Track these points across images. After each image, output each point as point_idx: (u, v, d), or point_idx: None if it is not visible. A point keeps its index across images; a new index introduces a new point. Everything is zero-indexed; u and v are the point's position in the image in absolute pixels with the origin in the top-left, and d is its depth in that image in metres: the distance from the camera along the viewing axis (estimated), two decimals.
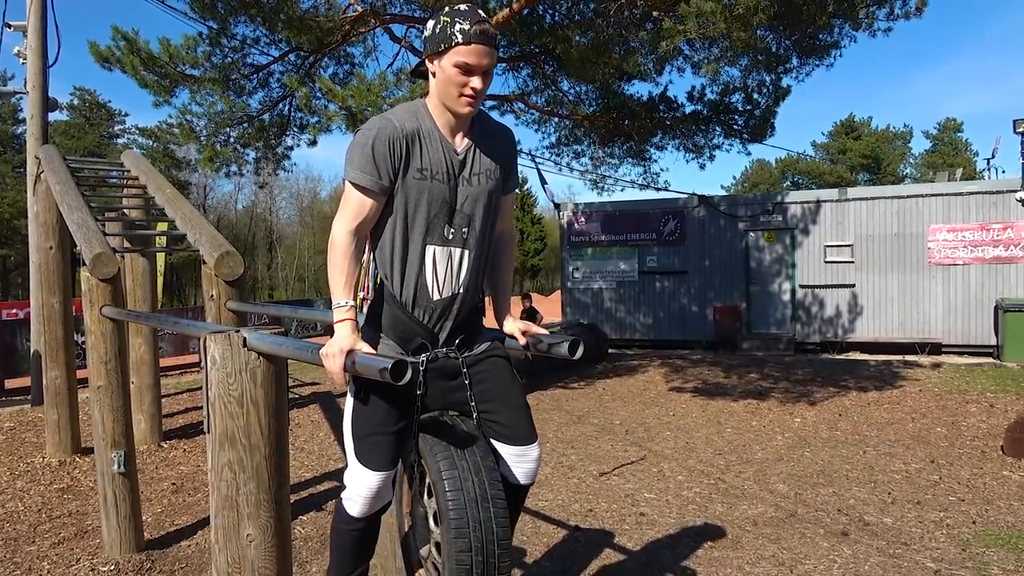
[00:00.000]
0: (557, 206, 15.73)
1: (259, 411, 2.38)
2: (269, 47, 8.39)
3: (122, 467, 4.13)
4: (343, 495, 2.24)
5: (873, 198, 13.36)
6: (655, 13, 6.17)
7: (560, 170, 10.58)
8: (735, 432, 7.22)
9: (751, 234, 14.07)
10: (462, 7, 1.90)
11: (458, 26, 1.84)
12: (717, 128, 8.74)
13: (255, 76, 8.50)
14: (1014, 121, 12.26)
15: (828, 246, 13.43)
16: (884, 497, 5.19)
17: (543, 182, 14.92)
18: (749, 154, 10.16)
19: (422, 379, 2.02)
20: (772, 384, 9.63)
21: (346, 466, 2.22)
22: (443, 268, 2.01)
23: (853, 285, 13.30)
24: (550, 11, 9.45)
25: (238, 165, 8.85)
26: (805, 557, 4.08)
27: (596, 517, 4.77)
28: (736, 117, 8.70)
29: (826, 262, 13.48)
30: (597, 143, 9.62)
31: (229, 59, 8.07)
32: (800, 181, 47.26)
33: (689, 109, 8.80)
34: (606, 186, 10.34)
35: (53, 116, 8.66)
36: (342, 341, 1.86)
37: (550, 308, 19.62)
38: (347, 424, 2.13)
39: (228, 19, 8.20)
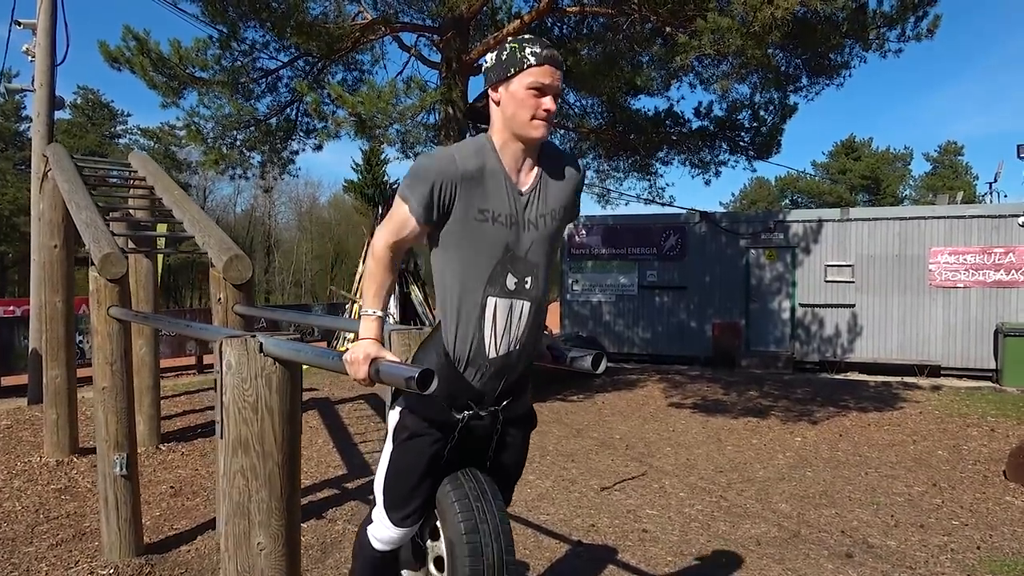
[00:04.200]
0: None
1: (274, 418, 2.36)
2: (278, 52, 8.40)
3: (124, 470, 4.09)
4: (369, 529, 2.20)
5: (875, 219, 13.40)
6: (667, 29, 6.20)
7: None
8: (736, 450, 7.19)
9: (752, 251, 14.08)
10: (526, 36, 1.91)
11: (528, 49, 1.84)
12: (723, 144, 8.77)
13: (264, 80, 8.51)
14: (1018, 146, 12.38)
15: (829, 265, 13.45)
16: (887, 520, 5.16)
17: None
18: (755, 171, 10.21)
19: (456, 435, 1.98)
20: (772, 402, 9.60)
21: (373, 503, 2.18)
22: (503, 323, 1.92)
23: (853, 305, 13.31)
24: (559, 24, 9.49)
25: (243, 168, 8.84)
26: None
27: (599, 532, 4.74)
28: (742, 134, 8.73)
29: (826, 281, 13.49)
30: (603, 156, 9.63)
31: (239, 63, 8.08)
32: (799, 200, 47.40)
33: (696, 125, 8.84)
34: (611, 199, 10.32)
35: (56, 115, 8.63)
36: (368, 348, 1.84)
37: (548, 320, 19.55)
38: (381, 477, 2.09)
39: (238, 24, 8.21)
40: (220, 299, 4.30)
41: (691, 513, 5.21)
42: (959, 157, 47.88)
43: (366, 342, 1.87)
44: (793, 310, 13.76)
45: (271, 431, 2.36)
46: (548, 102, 1.84)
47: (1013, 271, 12.20)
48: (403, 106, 6.34)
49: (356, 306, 12.36)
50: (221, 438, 2.40)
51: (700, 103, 8.66)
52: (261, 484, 2.36)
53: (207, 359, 13.46)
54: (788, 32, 5.10)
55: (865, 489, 5.91)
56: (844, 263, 13.37)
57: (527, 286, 1.94)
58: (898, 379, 11.99)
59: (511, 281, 1.91)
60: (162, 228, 7.75)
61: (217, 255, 4.32)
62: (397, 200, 1.89)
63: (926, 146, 76.09)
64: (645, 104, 10.71)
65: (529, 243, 1.92)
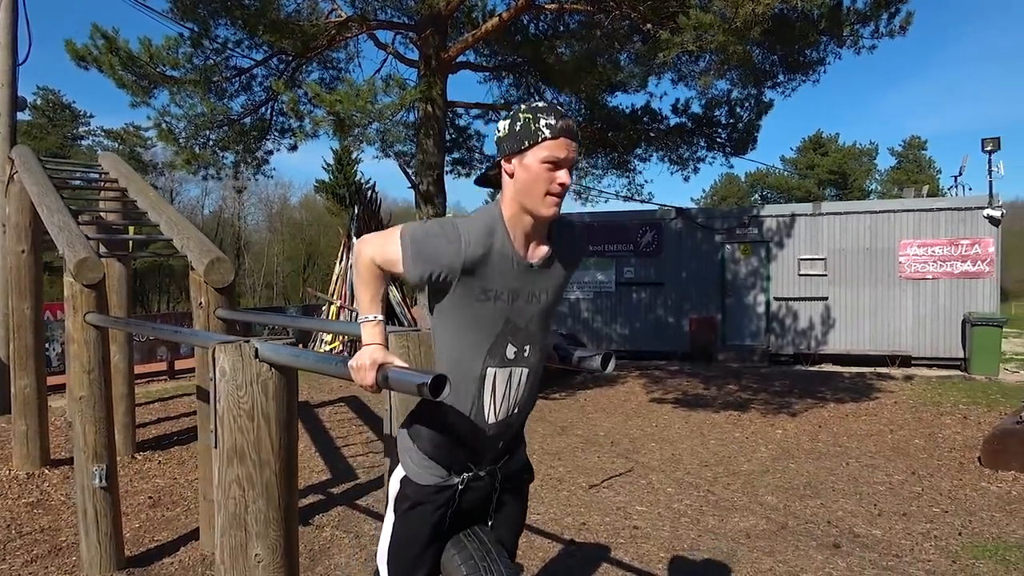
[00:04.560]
0: None
1: (270, 425, 2.30)
2: (252, 50, 8.25)
3: (103, 481, 3.98)
4: None
5: (846, 213, 13.59)
6: (648, 26, 6.19)
7: None
8: (719, 443, 7.23)
9: (727, 246, 14.20)
10: (539, 104, 1.82)
11: (543, 121, 1.76)
12: (701, 140, 8.81)
13: (237, 79, 8.34)
14: (982, 140, 12.59)
15: (802, 259, 13.61)
16: (871, 509, 5.22)
17: None
18: (732, 167, 10.27)
19: (457, 498, 1.95)
20: (751, 396, 9.69)
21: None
22: (502, 391, 1.89)
23: (826, 298, 13.49)
24: (535, 21, 9.46)
25: (216, 168, 8.67)
26: (802, 571, 4.08)
27: (590, 531, 4.73)
28: (719, 130, 8.78)
29: (800, 275, 13.66)
30: (581, 154, 9.63)
31: (211, 61, 7.91)
32: (769, 195, 47.99)
33: (674, 121, 8.87)
34: (590, 197, 10.30)
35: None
36: (374, 354, 1.79)
37: None
38: (384, 549, 2.01)
39: (209, 21, 8.05)
40: (201, 303, 4.19)
41: (680, 508, 5.22)
42: (923, 151, 48.89)
43: (372, 347, 1.81)
44: (768, 304, 13.91)
45: (268, 439, 2.30)
46: (563, 176, 1.78)
47: (979, 262, 12.45)
48: (382, 104, 6.27)
49: (333, 307, 12.23)
50: (215, 447, 2.33)
51: (678, 100, 8.71)
52: (258, 494, 2.30)
53: (179, 364, 13.22)
54: (767, 28, 5.13)
55: (847, 479, 5.98)
56: (816, 256, 13.54)
57: (526, 354, 1.90)
58: (871, 370, 12.18)
59: (511, 351, 1.87)
60: (131, 231, 7.57)
61: (198, 258, 4.21)
62: (397, 240, 1.79)
63: (891, 141, 77.62)
64: (623, 101, 10.70)
65: (531, 315, 1.88)
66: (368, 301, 1.88)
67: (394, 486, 2.02)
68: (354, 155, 48.23)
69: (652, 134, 9.01)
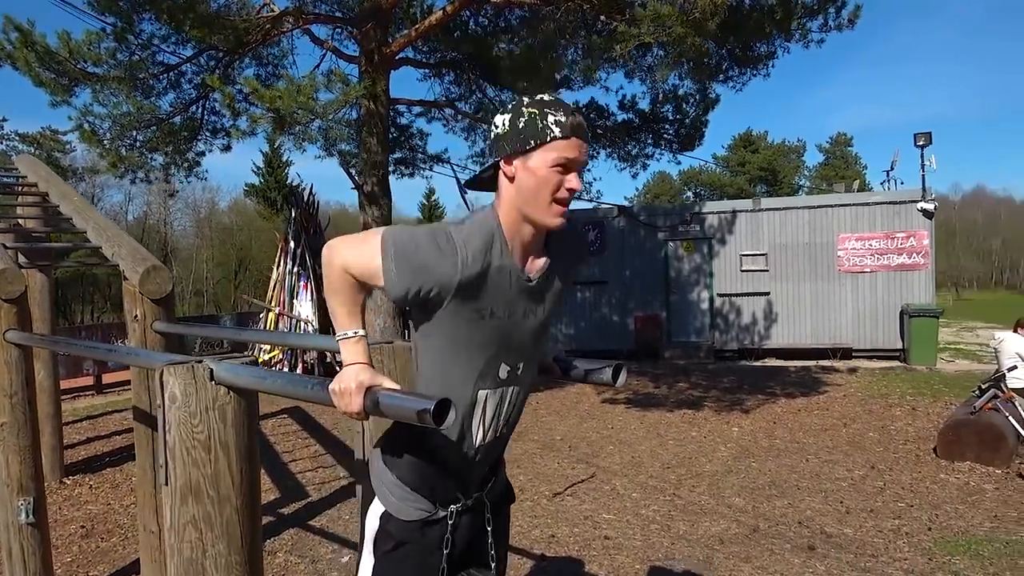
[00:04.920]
0: None
1: (230, 456, 2.01)
2: (180, 46, 7.77)
3: (31, 516, 3.58)
4: None
5: (785, 208, 13.81)
6: (602, 17, 6.04)
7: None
8: (678, 444, 7.15)
9: (670, 244, 14.27)
10: (545, 97, 1.58)
11: (552, 117, 1.52)
12: (648, 137, 8.75)
13: (165, 76, 7.84)
14: (915, 135, 12.96)
15: (744, 255, 13.77)
16: (838, 507, 5.19)
17: (462, 192, 14.67)
18: (679, 163, 10.24)
19: (450, 536, 1.71)
20: (703, 393, 9.69)
21: None
22: (492, 412, 1.68)
23: (768, 293, 13.68)
24: (476, 16, 9.24)
25: (145, 171, 8.13)
26: None
27: (560, 543, 4.53)
28: (667, 126, 8.73)
29: (742, 271, 13.81)
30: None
31: (136, 57, 7.41)
32: (702, 192, 48.93)
33: (621, 118, 8.78)
34: None
35: None
36: (359, 375, 1.53)
37: None
38: None
39: (132, 16, 7.55)
40: (137, 316, 3.82)
41: (648, 515, 5.08)
42: (849, 148, 50.70)
43: (356, 367, 1.55)
44: (712, 300, 14.02)
45: (227, 472, 2.01)
46: (573, 179, 1.55)
47: (914, 254, 12.81)
48: (325, 101, 5.94)
49: (272, 314, 11.73)
50: (166, 484, 2.03)
51: (625, 96, 8.61)
52: (218, 535, 2.01)
53: (107, 378, 12.51)
54: (723, 21, 5.04)
55: (810, 476, 5.96)
56: (758, 252, 13.72)
57: (519, 372, 1.69)
58: (814, 363, 12.39)
59: (504, 371, 1.66)
60: (52, 238, 7.02)
61: (131, 267, 3.84)
62: (377, 247, 1.52)
63: (818, 138, 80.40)
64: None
65: (527, 331, 1.66)
66: (345, 315, 1.61)
67: (372, 523, 1.75)
68: (285, 157, 47.16)
69: (599, 131, 8.89)
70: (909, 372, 11.01)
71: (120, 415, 8.94)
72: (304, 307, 11.56)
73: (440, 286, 1.50)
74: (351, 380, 1.53)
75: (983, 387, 6.93)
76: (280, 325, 11.63)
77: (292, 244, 11.86)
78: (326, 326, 11.74)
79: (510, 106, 1.61)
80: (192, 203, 45.90)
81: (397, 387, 1.58)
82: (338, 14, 8.54)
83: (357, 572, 1.82)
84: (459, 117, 9.42)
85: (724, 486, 5.74)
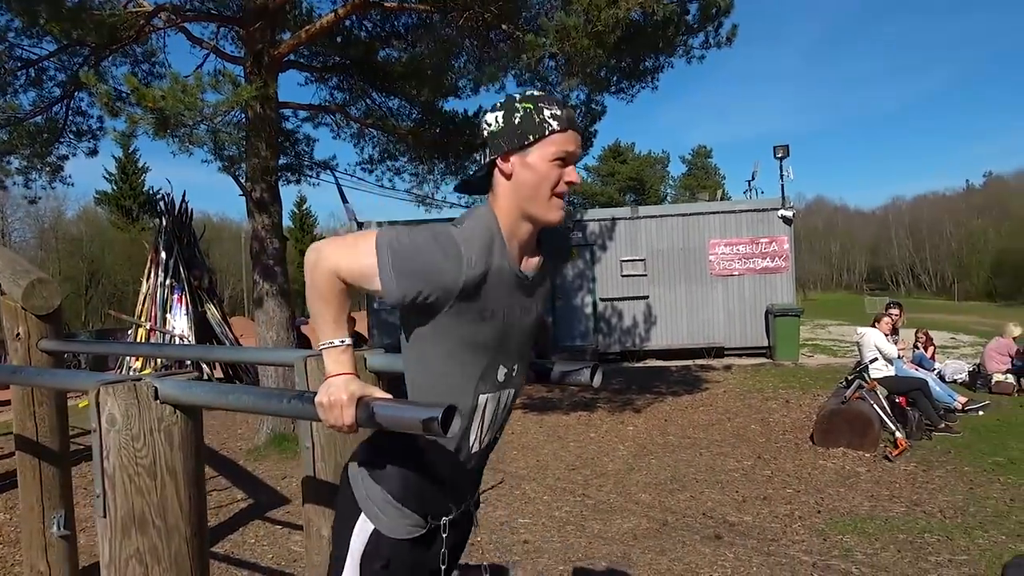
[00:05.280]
0: (360, 225, 15.19)
1: (177, 481, 1.88)
2: (40, 40, 7.11)
3: None
4: None
5: (661, 216, 14.48)
6: (504, 25, 6.08)
7: (381, 186, 10.04)
8: (578, 445, 7.30)
9: None
10: (535, 92, 1.58)
11: (547, 112, 1.52)
12: None
13: (23, 72, 7.15)
14: (774, 147, 13.95)
15: (623, 260, 14.29)
16: (735, 496, 5.48)
17: (344, 199, 14.31)
18: None
19: (445, 550, 1.67)
20: (594, 395, 9.94)
21: None
22: (490, 417, 1.64)
23: (647, 296, 14.26)
24: (366, 20, 9.07)
25: (1, 175, 7.35)
26: (697, 566, 4.14)
27: (482, 551, 4.51)
28: None
29: (622, 276, 14.33)
30: (416, 159, 9.35)
31: None
32: (574, 201, 50.29)
33: None
34: (436, 204, 10.02)
35: None
36: (349, 385, 1.46)
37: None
38: None
39: None
40: (19, 334, 3.47)
41: (562, 516, 5.15)
42: (709, 159, 53.87)
43: (344, 378, 1.47)
44: (595, 304, 14.45)
45: (175, 499, 1.88)
46: (572, 172, 1.56)
47: (776, 258, 13.78)
48: (214, 102, 5.63)
49: (142, 330, 10.95)
50: (103, 516, 1.86)
51: None
52: (166, 568, 1.86)
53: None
54: (622, 35, 5.22)
55: (706, 469, 6.25)
56: (637, 258, 14.27)
57: (515, 374, 1.67)
58: (692, 362, 13.03)
59: (501, 373, 1.63)
60: None
61: (11, 280, 3.48)
62: (372, 249, 1.46)
63: (681, 150, 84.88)
64: (456, 106, 10.58)
65: (522, 330, 1.65)
66: (330, 322, 1.52)
67: (358, 541, 1.66)
68: (141, 163, 44.30)
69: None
70: (777, 367, 11.80)
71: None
72: (179, 322, 10.87)
73: (443, 290, 1.45)
74: (341, 391, 1.45)
75: (849, 378, 7.52)
76: (152, 341, 10.88)
77: (163, 255, 11.13)
78: (202, 341, 11.10)
79: (501, 103, 1.59)
80: (34, 212, 42.11)
81: (388, 396, 1.52)
82: (215, 12, 8.13)
83: None
84: (348, 122, 9.20)
85: (629, 483, 5.91)
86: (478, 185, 1.65)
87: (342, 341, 1.51)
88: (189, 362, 10.43)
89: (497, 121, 1.55)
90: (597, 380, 1.88)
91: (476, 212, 1.58)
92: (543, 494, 5.71)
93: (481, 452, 1.69)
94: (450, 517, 1.67)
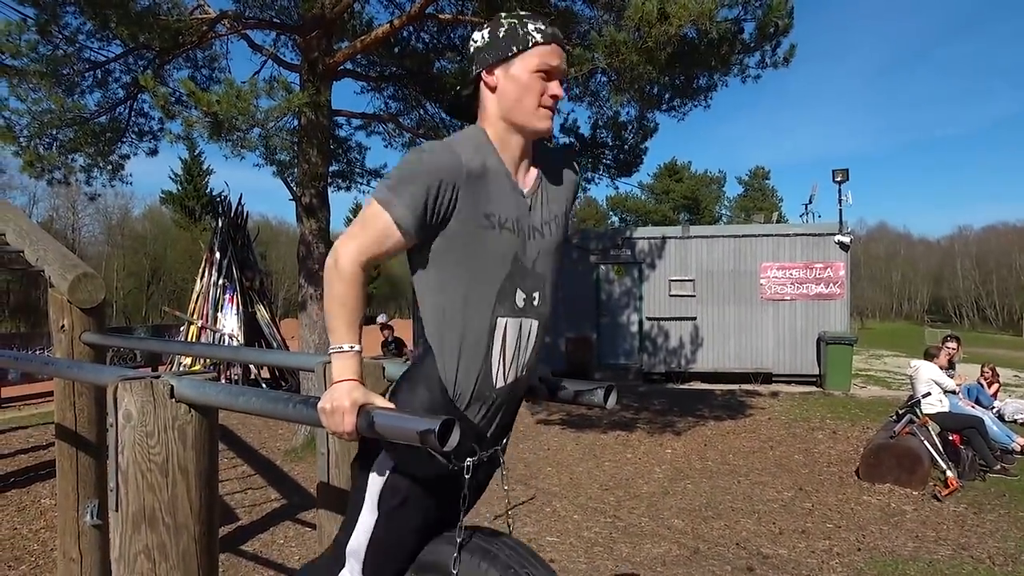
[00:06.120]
0: None
1: (188, 480, 1.90)
2: (108, 43, 7.40)
3: None
4: None
5: (712, 236, 14.23)
6: None
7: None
8: (614, 465, 7.19)
9: (601, 267, 14.47)
10: (522, 12, 1.62)
11: (531, 26, 1.56)
12: (587, 161, 8.87)
13: (91, 73, 7.45)
14: (833, 171, 13.61)
15: (672, 280, 14.08)
16: (771, 528, 5.30)
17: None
18: (617, 188, 10.38)
19: (467, 492, 1.63)
20: (635, 415, 9.80)
21: (336, 561, 1.76)
22: (512, 347, 1.61)
23: (695, 318, 14.02)
24: (418, 33, 9.19)
25: (65, 172, 7.68)
26: None
27: None
28: (606, 151, 8.88)
29: (670, 296, 14.12)
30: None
31: (61, 52, 7.03)
32: (628, 219, 50.03)
33: (562, 141, 8.88)
34: None
35: None
36: (352, 393, 1.45)
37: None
38: (360, 544, 1.67)
39: (56, 8, 7.16)
40: (63, 326, 3.58)
41: (590, 537, 5.06)
42: (766, 180, 52.97)
43: (348, 385, 1.47)
44: (641, 323, 14.27)
45: (186, 498, 1.89)
46: (555, 87, 1.58)
47: (831, 284, 13.39)
48: (266, 108, 5.76)
49: (194, 328, 11.24)
50: (116, 510, 1.89)
51: (566, 119, 8.71)
52: (173, 566, 1.88)
53: (5, 392, 11.70)
54: (674, 51, 5.17)
55: (743, 498, 6.08)
56: (686, 278, 14.06)
57: (535, 303, 1.65)
58: (738, 387, 12.74)
59: (520, 297, 1.61)
60: None
61: (60, 273, 3.60)
62: (374, 206, 1.51)
63: (738, 170, 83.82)
64: None
65: (536, 253, 1.63)
66: (344, 325, 1.51)
67: (377, 476, 1.63)
68: (206, 165, 45.68)
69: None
70: (827, 397, 11.44)
71: (25, 432, 8.35)
72: (229, 321, 11.13)
73: (449, 181, 1.48)
74: (344, 398, 1.45)
75: (900, 412, 7.24)
76: (203, 339, 11.15)
77: (218, 255, 11.43)
78: (251, 341, 11.34)
79: (487, 23, 1.63)
80: (103, 209, 43.79)
81: (390, 405, 1.51)
82: (276, 20, 8.34)
83: (347, 527, 1.69)
84: (400, 132, 9.32)
85: (662, 507, 5.78)
86: (468, 109, 1.66)
87: (351, 347, 1.51)
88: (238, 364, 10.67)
89: (483, 37, 1.60)
90: (612, 402, 1.83)
91: (464, 129, 1.61)
92: (574, 513, 5.63)
93: (508, 390, 1.64)
94: (474, 460, 1.62)
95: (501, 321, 1.58)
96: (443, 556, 1.65)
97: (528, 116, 1.56)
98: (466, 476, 1.60)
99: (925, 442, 6.66)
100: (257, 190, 48.08)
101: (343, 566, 1.71)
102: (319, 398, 1.50)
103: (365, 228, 1.51)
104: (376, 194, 1.51)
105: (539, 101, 1.56)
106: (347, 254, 1.50)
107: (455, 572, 1.60)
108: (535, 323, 1.65)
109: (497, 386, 1.61)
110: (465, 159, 1.51)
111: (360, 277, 1.52)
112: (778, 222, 25.67)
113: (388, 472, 1.62)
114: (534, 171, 1.66)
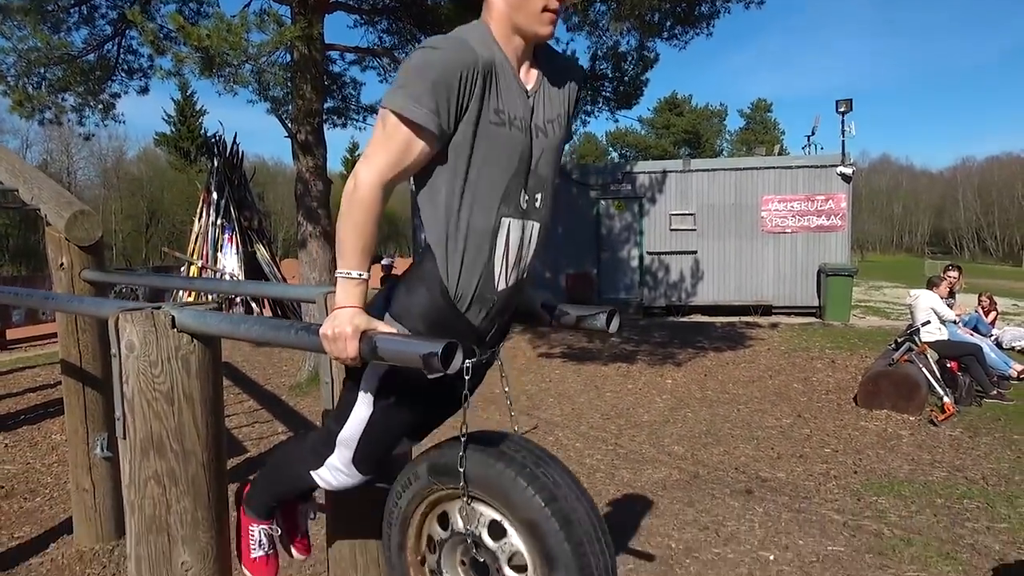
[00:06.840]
0: None
1: (194, 408, 1.91)
2: None
3: None
4: (315, 473, 1.84)
5: (713, 169, 14.09)
6: None
7: None
8: (615, 396, 7.29)
9: (602, 202, 14.38)
10: None
11: None
12: (587, 94, 8.70)
13: (76, 9, 7.25)
14: (837, 101, 13.35)
15: (673, 214, 14.01)
16: (770, 453, 5.41)
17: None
18: (617, 122, 10.25)
19: (467, 392, 1.62)
20: (635, 347, 9.88)
21: (321, 446, 1.80)
22: (515, 248, 1.60)
23: (695, 251, 14.00)
24: None
25: (56, 112, 7.54)
26: (724, 519, 4.12)
27: None
28: (606, 83, 8.70)
29: (671, 230, 14.07)
30: None
31: None
32: (628, 153, 49.47)
33: None
34: None
35: None
36: (354, 318, 1.44)
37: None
38: (352, 433, 1.69)
39: None
40: (63, 264, 3.57)
41: (592, 463, 5.17)
42: (768, 114, 52.13)
43: (351, 311, 1.46)
44: (641, 258, 14.26)
45: (192, 425, 1.92)
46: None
47: (832, 216, 13.33)
48: (258, 42, 5.62)
49: (194, 267, 11.25)
50: (123, 438, 1.91)
51: (564, 50, 8.50)
52: (183, 491, 1.91)
53: (11, 334, 11.78)
54: None
55: (742, 425, 6.18)
56: (687, 212, 13.98)
57: (537, 204, 1.64)
58: (737, 319, 12.81)
59: (523, 198, 1.60)
60: None
61: (55, 211, 3.57)
62: (389, 118, 1.45)
63: (739, 103, 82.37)
64: None
65: (540, 152, 1.61)
66: (354, 251, 1.48)
67: (373, 375, 1.64)
68: (199, 105, 44.90)
69: None
70: (826, 328, 11.52)
71: (33, 371, 8.45)
72: (229, 260, 11.12)
73: (469, 72, 1.44)
74: (346, 324, 1.44)
75: (899, 341, 7.29)
76: (204, 278, 11.16)
77: (215, 195, 11.33)
78: (251, 279, 11.34)
79: None
80: (98, 152, 43.29)
81: (393, 331, 1.51)
82: None
83: (340, 416, 1.72)
84: (395, 67, 9.13)
85: (663, 435, 5.89)
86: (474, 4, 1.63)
87: (360, 275, 1.49)
88: (239, 299, 10.73)
89: None
90: (614, 326, 1.83)
91: (465, 25, 1.57)
92: (575, 441, 5.74)
93: (509, 291, 1.64)
94: (473, 360, 1.60)
95: (505, 221, 1.57)
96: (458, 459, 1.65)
97: (531, 20, 1.51)
98: (466, 377, 1.58)
99: (923, 369, 6.72)
100: (252, 131, 47.45)
101: (332, 451, 1.75)
102: (321, 325, 1.50)
103: (386, 144, 1.46)
104: (388, 103, 1.45)
105: (544, 4, 1.51)
106: (367, 176, 1.46)
107: (462, 470, 1.62)
108: (537, 225, 1.65)
109: (498, 288, 1.61)
110: (480, 50, 1.47)
111: (380, 202, 1.48)
112: (780, 155, 25.38)
113: (384, 369, 1.62)
114: (535, 72, 1.63)
